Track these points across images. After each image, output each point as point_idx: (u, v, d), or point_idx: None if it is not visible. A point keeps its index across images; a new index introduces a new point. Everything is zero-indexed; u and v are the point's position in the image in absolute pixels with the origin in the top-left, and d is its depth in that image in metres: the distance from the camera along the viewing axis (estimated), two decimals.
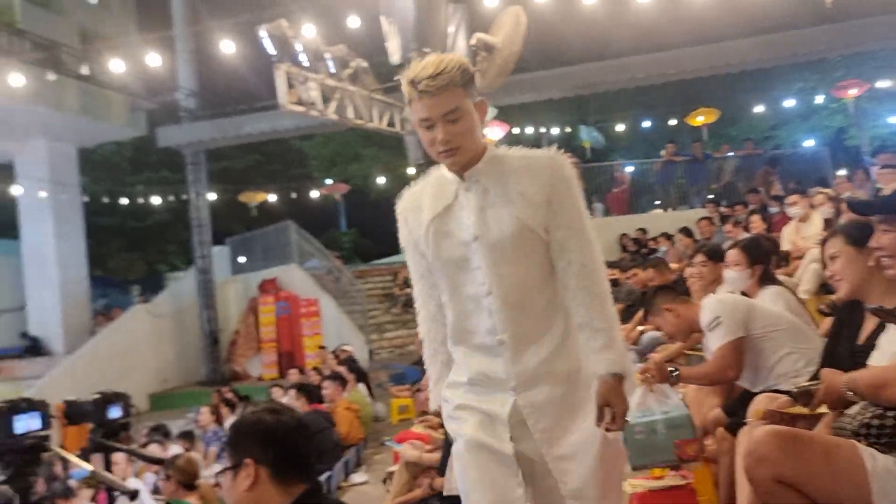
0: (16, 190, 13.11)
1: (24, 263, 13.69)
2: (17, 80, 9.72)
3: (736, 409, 2.90)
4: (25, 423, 1.72)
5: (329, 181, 21.29)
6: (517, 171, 1.70)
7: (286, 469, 1.52)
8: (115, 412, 2.10)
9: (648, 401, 2.93)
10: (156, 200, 17.27)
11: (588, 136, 17.32)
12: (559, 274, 1.69)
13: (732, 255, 3.68)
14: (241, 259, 16.20)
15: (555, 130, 17.90)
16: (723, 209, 10.43)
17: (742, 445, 2.39)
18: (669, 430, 2.83)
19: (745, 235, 6.83)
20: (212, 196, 14.58)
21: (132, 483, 3.90)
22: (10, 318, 13.93)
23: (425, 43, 6.47)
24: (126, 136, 15.10)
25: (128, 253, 21.10)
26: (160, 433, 6.96)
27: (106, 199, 16.95)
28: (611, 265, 8.55)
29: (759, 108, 18.44)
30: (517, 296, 1.69)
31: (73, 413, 2.10)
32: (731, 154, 14.26)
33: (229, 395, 8.89)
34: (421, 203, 1.81)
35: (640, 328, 5.54)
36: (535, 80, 12.58)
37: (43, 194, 12.97)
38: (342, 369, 8.30)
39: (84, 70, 10.78)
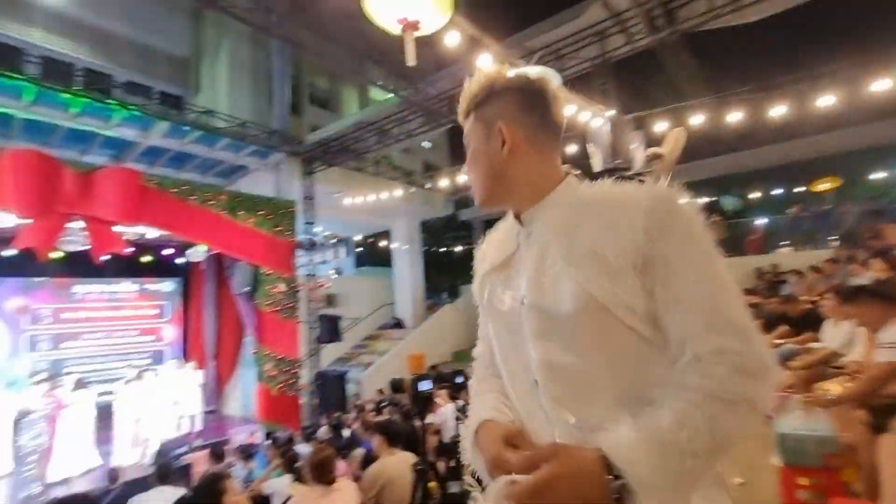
0: (392, 245, 15.25)
1: (394, 281, 15.77)
2: (396, 193, 11.38)
3: (882, 414, 2.14)
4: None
5: None
6: (592, 216, 0.74)
7: None
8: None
9: (799, 419, 2.35)
10: (459, 248, 18.57)
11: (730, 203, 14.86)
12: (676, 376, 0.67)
13: None
14: None
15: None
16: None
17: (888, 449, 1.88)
18: (818, 447, 2.22)
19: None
20: None
21: None
22: (388, 308, 15.90)
23: (616, 157, 6.31)
24: (443, 213, 16.41)
25: (440, 275, 23.13)
26: None
27: (431, 248, 18.86)
28: (749, 291, 7.23)
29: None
30: (576, 403, 0.73)
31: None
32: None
33: None
34: (487, 251, 0.97)
35: (778, 341, 4.66)
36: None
37: (403, 247, 14.94)
38: None
39: (426, 184, 12.34)
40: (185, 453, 7.26)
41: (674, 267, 0.68)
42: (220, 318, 11.02)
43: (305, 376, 9.72)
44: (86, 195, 6.80)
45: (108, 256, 7.15)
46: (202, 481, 2.18)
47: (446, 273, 23.02)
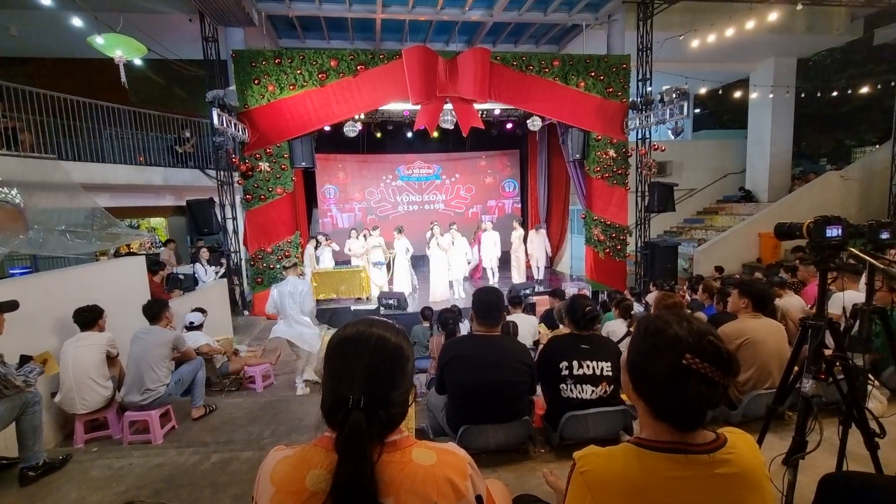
0: (751, 96, 12.10)
1: (748, 143, 12.84)
2: (769, 19, 8.53)
3: None
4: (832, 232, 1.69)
5: None
6: None
7: None
8: (884, 234, 1.85)
9: None
10: (860, 90, 12.96)
11: None
12: None
13: None
14: None
15: None
16: None
17: None
18: None
19: None
20: None
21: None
22: (734, 178, 13.43)
23: None
24: (841, 43, 11.58)
25: (820, 134, 17.17)
26: None
27: (811, 94, 13.88)
28: None
29: None
30: None
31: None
32: None
33: None
34: None
35: None
36: None
37: (767, 97, 11.62)
38: None
39: None
40: (531, 294, 8.91)
41: None
42: (550, 186, 12.08)
43: (633, 245, 9.73)
44: (452, 79, 8.29)
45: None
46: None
47: (832, 129, 16.92)
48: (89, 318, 3.42)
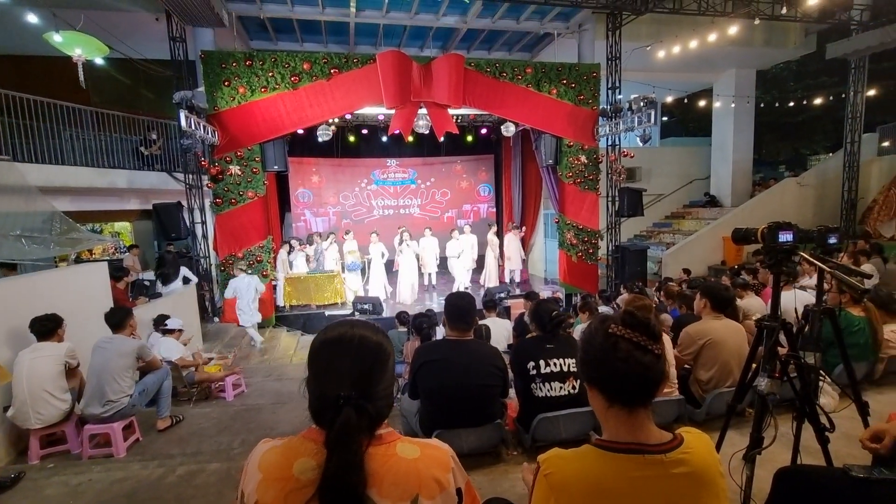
0: (714, 105, 12.57)
1: (712, 150, 13.33)
2: (729, 32, 8.88)
3: None
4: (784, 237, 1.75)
5: None
6: None
7: None
8: (831, 239, 1.94)
9: None
10: (815, 101, 13.59)
11: None
12: None
13: None
14: (886, 143, 11.77)
15: None
16: None
17: None
18: None
19: None
20: (870, 92, 10.76)
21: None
22: (699, 183, 13.87)
23: None
24: (796, 56, 12.11)
25: (778, 142, 18.05)
26: None
27: (770, 104, 14.53)
28: None
29: None
30: None
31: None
32: None
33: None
34: None
35: None
36: None
37: (729, 106, 12.10)
38: None
39: (779, 10, 9.04)
40: (505, 297, 8.99)
41: None
42: (525, 191, 12.23)
43: (604, 248, 9.94)
44: (427, 84, 8.31)
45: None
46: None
47: (790, 137, 17.79)
48: (47, 327, 3.26)
